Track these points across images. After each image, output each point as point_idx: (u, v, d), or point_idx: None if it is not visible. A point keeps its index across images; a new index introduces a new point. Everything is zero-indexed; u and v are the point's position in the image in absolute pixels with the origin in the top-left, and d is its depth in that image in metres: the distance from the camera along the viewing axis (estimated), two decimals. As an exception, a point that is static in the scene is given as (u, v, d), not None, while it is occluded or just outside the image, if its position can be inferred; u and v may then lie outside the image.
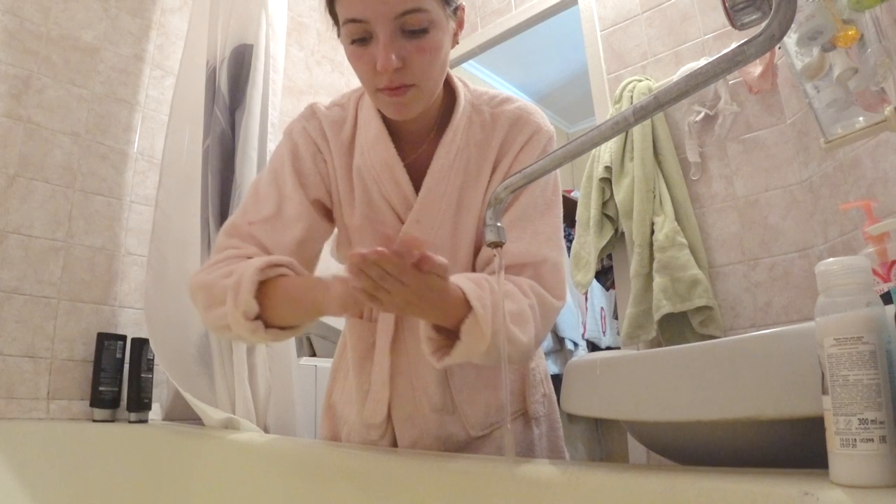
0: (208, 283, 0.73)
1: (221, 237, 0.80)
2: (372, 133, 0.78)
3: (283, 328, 0.72)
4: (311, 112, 0.84)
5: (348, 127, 0.82)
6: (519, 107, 0.80)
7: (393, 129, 0.79)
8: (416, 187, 0.78)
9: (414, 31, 0.66)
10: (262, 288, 0.69)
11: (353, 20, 0.66)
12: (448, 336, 0.66)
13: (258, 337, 0.71)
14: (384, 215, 0.80)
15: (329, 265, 0.89)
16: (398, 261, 0.54)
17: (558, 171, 0.68)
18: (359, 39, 0.67)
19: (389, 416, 0.83)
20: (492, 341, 0.62)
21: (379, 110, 0.77)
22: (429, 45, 0.67)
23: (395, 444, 0.85)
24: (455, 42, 0.74)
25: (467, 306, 0.62)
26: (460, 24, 0.74)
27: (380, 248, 0.53)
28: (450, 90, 0.81)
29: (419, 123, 0.78)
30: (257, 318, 0.70)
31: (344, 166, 0.81)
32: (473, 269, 0.81)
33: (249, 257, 0.74)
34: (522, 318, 0.67)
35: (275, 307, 0.70)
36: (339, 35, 0.70)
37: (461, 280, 0.64)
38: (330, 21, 0.73)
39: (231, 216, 0.82)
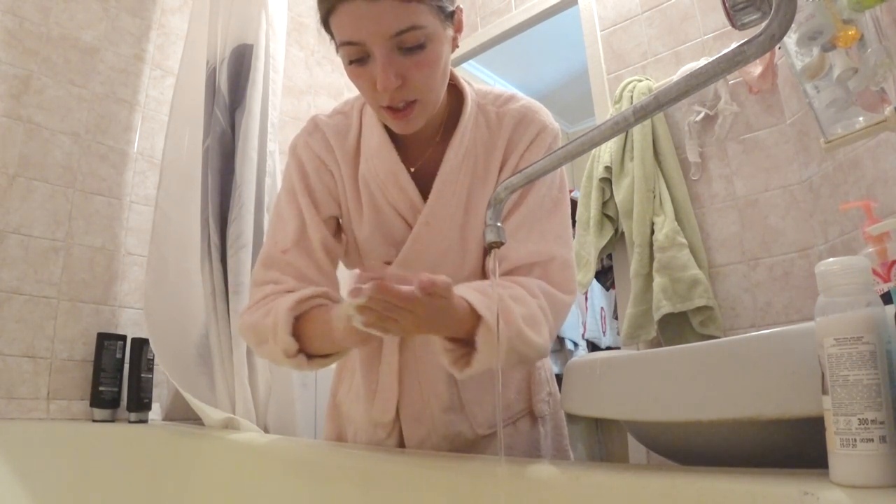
0: (252, 324, 0.75)
1: (259, 270, 0.80)
2: (375, 141, 0.78)
3: (325, 356, 0.73)
4: (314, 125, 0.83)
5: (353, 135, 0.81)
6: (524, 105, 0.80)
7: (397, 135, 0.78)
8: (424, 190, 0.78)
9: (411, 47, 0.65)
10: (298, 323, 0.71)
11: (349, 42, 0.65)
12: (464, 344, 0.66)
13: (304, 369, 0.73)
14: (392, 221, 0.80)
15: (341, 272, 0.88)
16: (404, 293, 0.54)
17: (563, 167, 0.68)
18: (357, 60, 0.67)
19: (397, 414, 0.83)
20: (507, 345, 0.62)
21: None
22: (427, 60, 0.66)
23: (402, 443, 0.84)
24: (455, 46, 0.73)
25: (476, 316, 0.62)
26: (459, 28, 0.73)
27: (381, 282, 0.53)
28: (456, 92, 0.81)
29: (425, 128, 0.77)
30: (299, 352, 0.71)
31: (351, 175, 0.81)
32: (483, 270, 0.81)
33: (289, 290, 0.75)
34: (534, 320, 0.67)
35: (310, 340, 0.71)
36: (337, 51, 0.69)
37: (466, 291, 0.64)
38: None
39: (264, 245, 0.83)
